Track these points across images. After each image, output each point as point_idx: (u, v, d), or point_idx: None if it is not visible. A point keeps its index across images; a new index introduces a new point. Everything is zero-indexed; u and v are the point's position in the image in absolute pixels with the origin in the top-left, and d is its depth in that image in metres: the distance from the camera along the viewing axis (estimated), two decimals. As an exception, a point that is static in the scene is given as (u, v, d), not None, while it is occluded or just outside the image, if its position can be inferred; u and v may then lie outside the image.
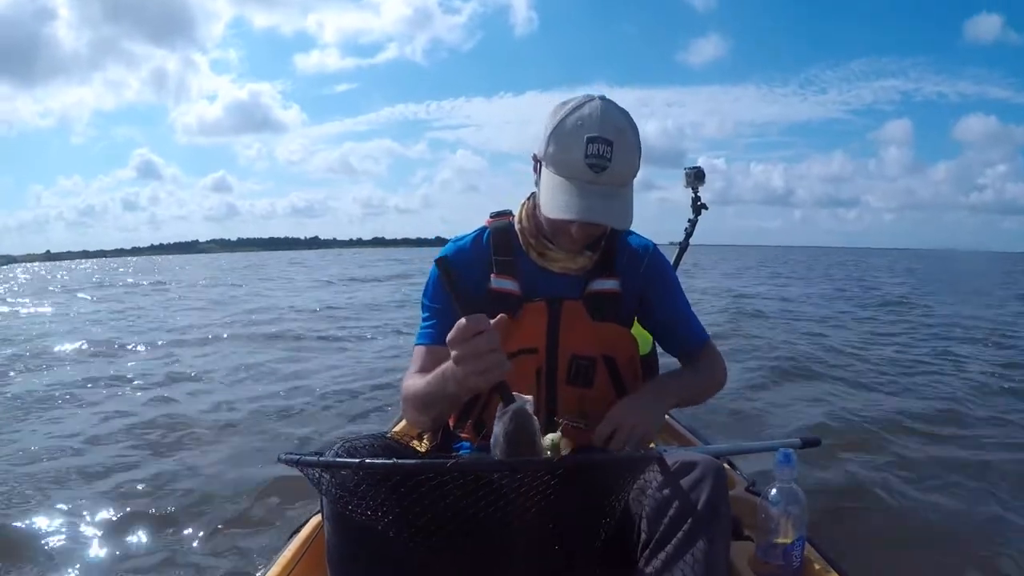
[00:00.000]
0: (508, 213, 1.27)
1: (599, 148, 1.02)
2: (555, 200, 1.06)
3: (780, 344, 5.94)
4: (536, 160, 1.14)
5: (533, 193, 1.21)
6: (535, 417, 0.82)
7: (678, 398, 1.24)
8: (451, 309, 0.87)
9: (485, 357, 0.83)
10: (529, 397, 0.86)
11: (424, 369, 1.14)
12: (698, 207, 2.46)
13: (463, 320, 0.83)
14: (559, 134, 1.06)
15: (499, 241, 1.23)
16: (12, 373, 5.32)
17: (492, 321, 0.85)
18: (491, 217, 1.28)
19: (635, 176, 1.10)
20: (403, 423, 2.18)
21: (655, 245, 1.30)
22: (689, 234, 2.50)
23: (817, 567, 1.18)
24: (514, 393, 0.85)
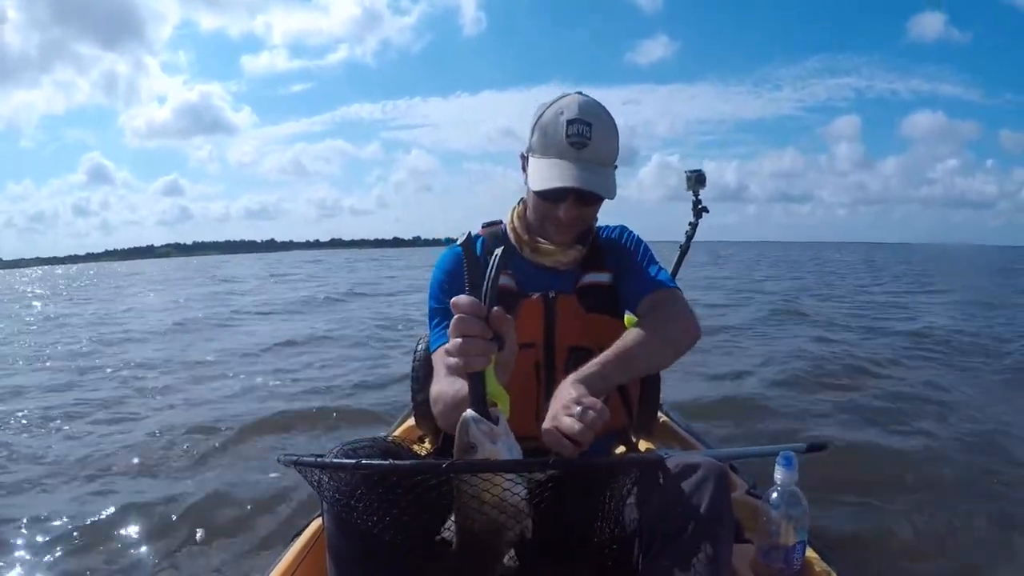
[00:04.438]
0: (498, 222, 1.33)
1: (579, 128, 1.12)
2: (544, 175, 1.13)
3: (793, 347, 5.91)
4: (523, 158, 1.22)
5: (522, 199, 1.28)
6: (483, 429, 0.76)
7: (631, 365, 1.09)
8: None
9: (469, 341, 0.78)
10: (503, 413, 0.80)
11: (449, 368, 1.11)
12: (699, 210, 2.44)
13: (461, 296, 0.80)
14: (542, 124, 1.16)
15: (492, 245, 1.24)
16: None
17: (493, 311, 0.80)
18: (483, 227, 1.33)
19: (615, 158, 1.18)
20: (404, 427, 2.18)
21: (625, 226, 1.34)
22: (690, 237, 2.49)
23: (818, 570, 1.18)
24: (491, 409, 0.79)
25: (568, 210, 1.16)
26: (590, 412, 0.89)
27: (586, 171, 1.12)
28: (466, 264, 0.83)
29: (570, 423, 0.88)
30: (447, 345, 0.80)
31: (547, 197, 1.16)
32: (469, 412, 0.77)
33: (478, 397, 0.79)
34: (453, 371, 0.82)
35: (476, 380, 0.79)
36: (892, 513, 2.31)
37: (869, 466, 2.76)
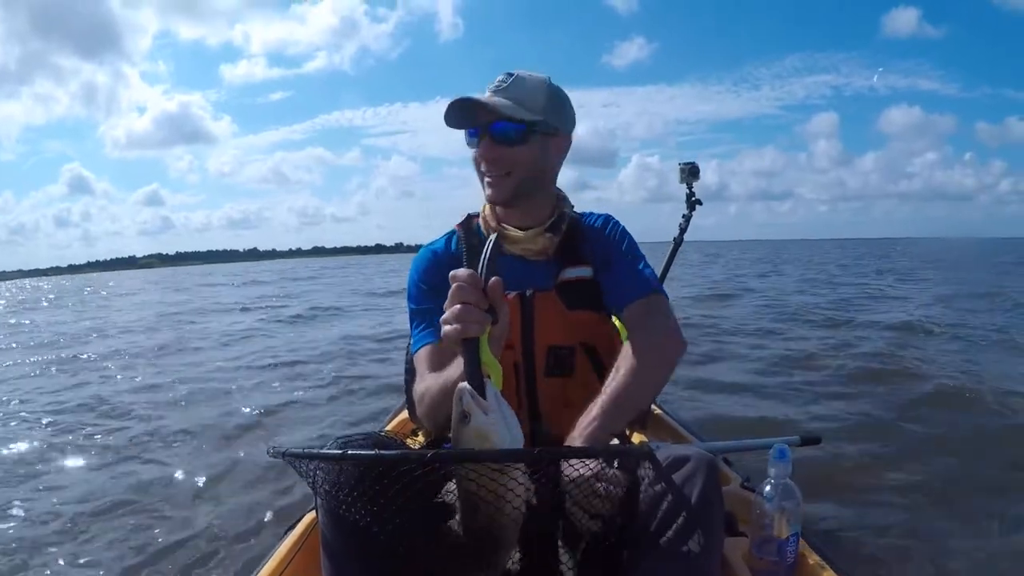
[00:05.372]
0: (476, 215, 1.29)
1: (503, 77, 1.14)
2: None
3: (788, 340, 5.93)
4: None
5: None
6: (475, 402, 0.78)
7: (630, 408, 1.06)
8: (439, 307, 0.85)
9: (466, 308, 0.80)
10: (496, 385, 0.81)
11: (433, 368, 1.11)
12: (692, 203, 2.44)
13: (459, 269, 0.83)
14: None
15: (468, 239, 1.24)
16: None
17: (491, 282, 0.81)
18: (460, 223, 1.31)
19: (540, 110, 1.13)
20: (396, 421, 2.17)
21: (611, 216, 1.29)
22: (683, 230, 2.49)
23: (811, 562, 1.18)
24: (486, 380, 0.80)
25: (483, 149, 1.14)
26: (611, 489, 0.90)
27: (492, 99, 1.11)
28: (464, 242, 0.85)
29: (597, 505, 0.89)
30: (445, 315, 0.81)
31: (469, 143, 1.16)
32: (465, 384, 0.79)
33: (473, 365, 0.80)
34: (448, 340, 0.83)
35: (471, 347, 0.81)
36: (884, 505, 2.32)
37: (862, 458, 2.78)
